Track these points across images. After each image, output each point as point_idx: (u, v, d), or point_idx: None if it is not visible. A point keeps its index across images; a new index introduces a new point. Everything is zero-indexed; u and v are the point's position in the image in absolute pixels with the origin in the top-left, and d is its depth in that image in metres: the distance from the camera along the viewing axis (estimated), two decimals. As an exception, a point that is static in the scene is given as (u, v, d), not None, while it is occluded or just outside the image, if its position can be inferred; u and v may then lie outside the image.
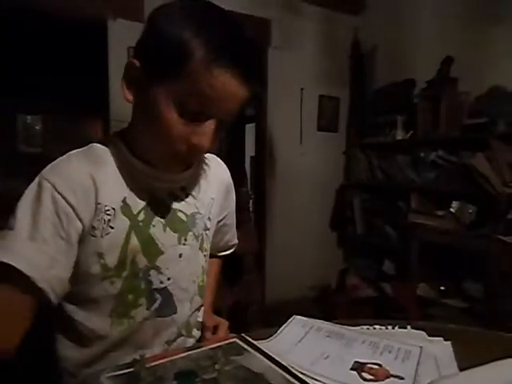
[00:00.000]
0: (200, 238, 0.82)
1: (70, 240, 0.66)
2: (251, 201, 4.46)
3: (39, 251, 0.63)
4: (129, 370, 0.58)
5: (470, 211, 2.28)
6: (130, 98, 0.69)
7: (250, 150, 4.40)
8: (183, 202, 0.79)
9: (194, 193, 0.81)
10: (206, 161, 0.87)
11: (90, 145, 0.74)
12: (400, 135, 2.72)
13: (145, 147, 0.72)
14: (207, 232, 0.84)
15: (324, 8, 2.98)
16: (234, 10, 2.60)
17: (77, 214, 0.66)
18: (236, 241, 1.04)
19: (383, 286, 2.73)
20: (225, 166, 0.93)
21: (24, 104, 4.10)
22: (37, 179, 0.68)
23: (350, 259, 3.18)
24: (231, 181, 0.94)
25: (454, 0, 2.56)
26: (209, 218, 0.84)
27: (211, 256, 0.94)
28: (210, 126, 0.66)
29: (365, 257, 3.06)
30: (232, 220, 0.99)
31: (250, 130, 4.41)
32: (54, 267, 0.64)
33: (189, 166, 0.78)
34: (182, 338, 0.82)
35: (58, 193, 0.65)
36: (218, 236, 0.95)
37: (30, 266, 0.62)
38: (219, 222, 0.92)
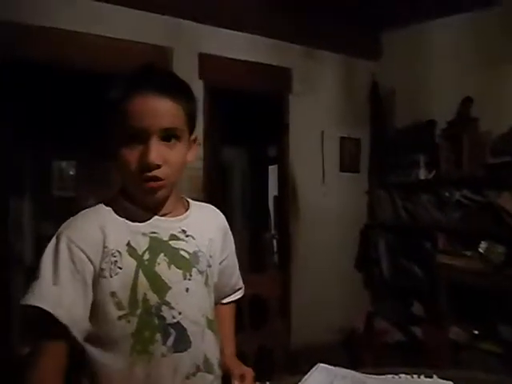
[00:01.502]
0: (204, 273, 0.88)
1: (86, 281, 0.77)
2: (275, 241, 4.46)
3: (61, 294, 0.74)
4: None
5: (500, 251, 2.23)
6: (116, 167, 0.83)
7: (272, 190, 4.46)
8: (184, 242, 0.86)
9: (193, 234, 0.88)
10: (202, 208, 0.96)
11: (99, 204, 0.87)
12: (423, 175, 2.72)
13: (131, 194, 0.84)
14: (210, 269, 0.90)
15: (342, 55, 3.10)
16: (256, 60, 2.76)
17: (88, 258, 0.77)
18: (242, 285, 1.07)
19: (413, 329, 2.64)
20: (220, 212, 1.01)
21: (59, 151, 4.33)
22: (55, 234, 0.80)
23: (378, 301, 3.11)
24: (227, 225, 1.01)
25: (470, 41, 2.63)
26: (210, 256, 0.91)
27: (221, 305, 1.00)
28: (152, 143, 0.77)
29: (392, 298, 2.98)
30: (234, 262, 1.03)
31: (272, 170, 4.49)
32: (75, 307, 0.75)
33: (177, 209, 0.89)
34: (201, 373, 0.84)
35: (72, 242, 0.77)
36: (223, 280, 0.99)
37: (55, 306, 0.73)
38: (221, 262, 0.97)
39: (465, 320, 2.41)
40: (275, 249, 4.12)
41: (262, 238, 4.23)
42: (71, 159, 4.48)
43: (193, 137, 0.88)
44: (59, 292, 0.74)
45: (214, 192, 2.76)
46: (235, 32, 2.71)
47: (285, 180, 2.96)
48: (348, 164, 3.13)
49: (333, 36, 3.04)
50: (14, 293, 3.26)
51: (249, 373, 0.93)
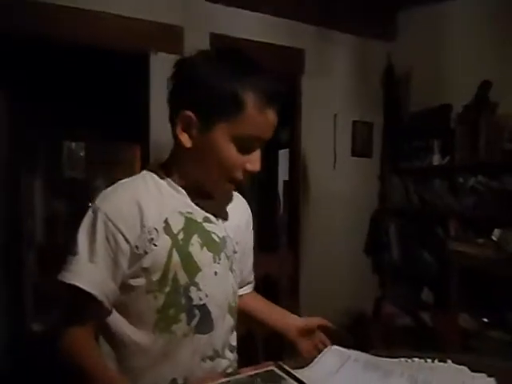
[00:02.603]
0: (230, 258, 0.89)
1: (118, 260, 0.78)
2: (285, 224, 4.46)
3: (97, 271, 0.76)
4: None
5: (514, 239, 2.19)
6: (190, 143, 0.80)
7: (283, 175, 4.43)
8: (215, 226, 0.87)
9: (223, 218, 0.90)
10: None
11: (137, 175, 0.86)
12: (437, 160, 2.67)
13: (196, 177, 0.84)
14: (235, 255, 0.91)
15: (356, 36, 3.03)
16: (269, 41, 2.70)
17: (124, 237, 0.77)
18: (253, 279, 1.08)
19: (422, 315, 2.64)
20: (244, 200, 1.03)
21: (69, 131, 4.34)
22: (91, 208, 0.79)
23: (386, 286, 3.10)
24: (250, 214, 1.03)
25: (490, 22, 2.54)
26: (236, 243, 0.92)
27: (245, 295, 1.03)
28: (258, 152, 0.81)
29: (402, 284, 2.98)
30: (250, 254, 1.04)
31: (283, 155, 4.45)
32: (108, 281, 0.77)
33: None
34: (218, 358, 0.85)
35: (109, 220, 0.77)
36: (239, 268, 0.98)
37: (92, 285, 0.75)
38: (243, 248, 0.97)
39: (475, 307, 2.39)
40: (285, 232, 4.12)
41: (272, 219, 4.24)
42: (81, 140, 4.50)
43: None
44: (95, 269, 0.76)
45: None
46: (247, 12, 2.65)
47: (296, 162, 2.93)
48: (360, 148, 3.08)
49: (347, 16, 2.96)
50: (26, 270, 3.33)
51: (319, 321, 0.98)
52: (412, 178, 2.86)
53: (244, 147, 0.78)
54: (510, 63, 2.38)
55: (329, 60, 2.96)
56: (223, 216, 0.90)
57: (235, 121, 0.76)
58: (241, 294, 1.04)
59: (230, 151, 0.78)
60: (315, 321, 0.98)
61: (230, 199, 0.94)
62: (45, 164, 4.26)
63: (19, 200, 3.15)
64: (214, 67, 0.78)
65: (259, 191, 4.36)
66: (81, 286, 0.75)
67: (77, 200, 4.22)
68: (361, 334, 2.71)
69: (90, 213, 0.79)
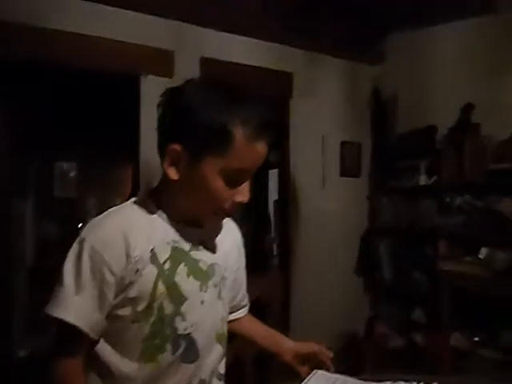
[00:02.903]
0: (218, 286, 0.88)
1: (104, 291, 0.77)
2: (275, 245, 4.45)
3: (83, 304, 0.76)
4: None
5: (501, 257, 2.22)
6: (177, 176, 0.79)
7: (273, 195, 4.45)
8: (203, 253, 0.86)
9: (211, 246, 0.89)
10: None
11: (124, 204, 0.86)
12: (424, 180, 2.72)
13: (184, 208, 0.83)
14: (224, 282, 0.90)
15: (344, 59, 3.10)
16: (258, 64, 2.76)
17: (110, 269, 0.76)
18: (247, 302, 1.07)
19: (414, 335, 2.63)
20: (235, 225, 1.02)
21: (61, 152, 4.35)
22: (78, 239, 0.79)
23: (378, 306, 3.10)
24: (241, 239, 1.02)
25: (473, 47, 2.63)
26: (225, 269, 0.91)
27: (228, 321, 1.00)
28: (248, 182, 0.80)
29: (393, 304, 2.97)
30: (243, 277, 1.03)
31: (272, 175, 4.48)
32: (95, 314, 0.77)
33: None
34: None
35: (95, 252, 0.76)
36: (232, 293, 0.98)
37: (78, 318, 0.75)
38: (233, 274, 0.96)
39: (466, 326, 2.39)
40: (275, 252, 4.11)
41: (263, 240, 4.22)
42: (72, 161, 4.49)
43: None
44: (81, 302, 0.76)
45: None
46: (237, 36, 2.71)
47: (285, 184, 2.96)
48: (349, 168, 3.12)
49: (335, 41, 3.04)
50: (16, 293, 3.27)
51: (314, 346, 0.97)
52: (400, 198, 2.90)
53: (233, 180, 0.77)
54: (490, 87, 2.46)
55: (317, 82, 3.02)
56: (211, 243, 0.88)
57: (224, 154, 0.75)
58: (235, 317, 1.04)
59: (219, 184, 0.77)
60: (310, 346, 0.98)
61: (219, 228, 0.93)
62: (36, 184, 4.25)
63: (9, 221, 3.12)
64: (203, 98, 0.76)
65: (249, 212, 4.38)
66: (67, 319, 0.75)
67: (68, 221, 4.19)
68: (353, 355, 2.69)
69: (75, 244, 0.78)
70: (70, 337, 0.78)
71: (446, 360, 2.30)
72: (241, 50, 2.73)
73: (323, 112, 3.03)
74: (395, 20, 2.92)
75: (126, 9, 2.36)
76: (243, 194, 0.79)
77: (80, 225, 4.31)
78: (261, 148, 0.77)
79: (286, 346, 0.99)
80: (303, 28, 2.90)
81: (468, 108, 2.47)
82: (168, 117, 0.79)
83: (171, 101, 0.80)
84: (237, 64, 2.69)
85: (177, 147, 0.76)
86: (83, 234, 0.79)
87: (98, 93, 3.10)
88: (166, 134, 0.80)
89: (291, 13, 2.77)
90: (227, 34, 2.68)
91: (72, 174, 4.55)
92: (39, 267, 3.90)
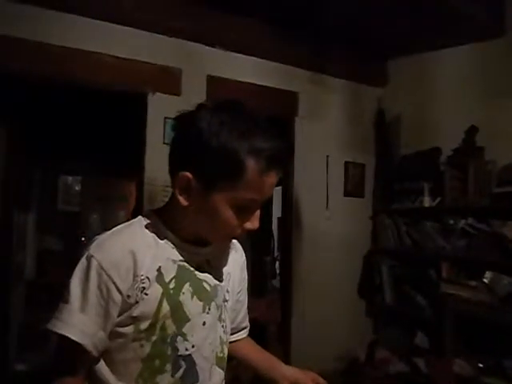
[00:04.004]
0: (220, 308, 0.87)
1: (109, 310, 0.76)
2: (277, 262, 4.42)
3: (88, 321, 0.75)
4: None
5: (505, 282, 2.18)
6: (187, 203, 0.78)
7: (276, 211, 4.45)
8: (207, 274, 0.86)
9: (216, 265, 0.88)
10: None
11: (131, 221, 0.85)
12: (427, 202, 2.71)
13: (192, 230, 0.83)
14: (226, 304, 0.89)
15: (349, 81, 3.14)
16: (263, 84, 2.80)
17: (117, 287, 0.76)
18: (247, 324, 1.06)
19: (416, 360, 2.57)
20: (240, 246, 1.01)
21: (66, 166, 4.39)
22: (85, 256, 0.77)
23: (380, 330, 3.04)
24: (245, 260, 1.02)
25: (476, 70, 2.65)
26: (227, 291, 0.90)
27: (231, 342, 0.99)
28: (258, 211, 0.80)
29: (395, 327, 2.92)
30: (244, 298, 1.03)
31: (276, 192, 4.49)
32: (99, 332, 0.76)
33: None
34: None
35: (102, 269, 0.76)
36: (232, 315, 0.97)
37: (82, 336, 0.74)
38: (235, 296, 0.97)
39: (470, 353, 2.34)
40: (277, 271, 4.08)
41: (264, 260, 4.19)
42: (77, 175, 4.53)
43: None
44: (86, 320, 0.75)
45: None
46: (243, 56, 2.76)
47: (289, 202, 2.96)
48: (352, 189, 3.12)
49: (339, 62, 3.08)
50: (14, 306, 3.25)
51: (313, 377, 0.96)
52: (403, 220, 2.88)
53: (243, 209, 0.77)
54: (494, 110, 2.47)
55: (322, 103, 3.05)
56: (216, 263, 0.88)
57: (235, 185, 0.73)
58: (235, 339, 1.03)
59: (229, 214, 0.76)
60: (308, 376, 0.96)
61: (225, 248, 0.93)
62: (39, 197, 4.27)
63: (11, 232, 3.12)
64: (215, 126, 0.73)
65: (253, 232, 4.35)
66: (71, 337, 0.74)
67: (70, 234, 4.19)
68: (354, 379, 2.63)
69: (83, 260, 0.77)
70: (73, 354, 0.76)
71: (450, 387, 2.24)
72: (247, 68, 2.77)
73: (327, 132, 3.05)
74: (399, 43, 2.96)
75: (135, 27, 2.42)
76: (253, 222, 0.79)
77: (83, 239, 4.32)
78: (272, 179, 0.76)
79: (283, 372, 0.98)
80: (309, 49, 2.95)
81: (472, 130, 2.48)
82: (179, 143, 0.78)
83: (183, 127, 0.78)
84: (243, 83, 2.73)
85: (188, 175, 0.75)
86: (91, 250, 0.77)
87: (105, 109, 3.14)
88: (177, 161, 0.79)
89: (297, 34, 2.82)
90: (233, 54, 2.73)
91: (76, 188, 4.58)
92: (38, 280, 3.89)
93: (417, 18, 2.56)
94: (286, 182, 2.99)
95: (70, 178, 4.59)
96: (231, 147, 0.71)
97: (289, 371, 0.98)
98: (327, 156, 3.03)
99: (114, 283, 0.75)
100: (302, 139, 2.95)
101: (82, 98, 2.82)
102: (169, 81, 2.52)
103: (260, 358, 1.03)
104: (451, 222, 2.50)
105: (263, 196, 0.77)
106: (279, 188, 3.37)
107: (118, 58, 2.38)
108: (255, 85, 2.77)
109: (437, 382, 2.30)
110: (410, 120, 3.04)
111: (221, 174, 0.73)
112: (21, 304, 3.55)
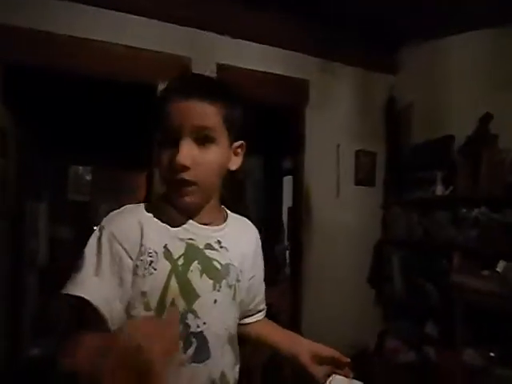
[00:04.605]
0: (233, 287, 0.88)
1: (123, 277, 0.78)
2: (287, 252, 4.43)
3: (102, 285, 0.76)
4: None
5: (518, 272, 2.16)
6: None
7: (287, 201, 4.44)
8: (218, 253, 0.86)
9: (227, 246, 0.88)
10: (238, 221, 0.97)
11: (142, 203, 0.87)
12: (439, 191, 2.67)
13: (170, 198, 0.85)
14: (239, 284, 0.89)
15: (359, 68, 3.09)
16: (274, 72, 2.77)
17: (127, 254, 0.78)
18: (265, 306, 1.06)
19: (426, 350, 2.57)
20: (254, 228, 1.02)
21: (77, 156, 4.42)
22: (99, 227, 0.82)
23: (390, 319, 3.04)
24: (259, 241, 1.01)
25: (489, 57, 2.59)
26: (240, 271, 0.90)
27: (244, 324, 1.00)
28: (183, 144, 0.79)
29: (405, 317, 2.92)
30: (260, 280, 1.03)
31: (287, 181, 4.48)
32: (113, 300, 0.76)
33: (219, 221, 0.90)
34: None
35: (114, 237, 0.79)
36: (248, 297, 0.98)
37: (95, 296, 0.74)
38: (250, 279, 0.96)
39: (481, 342, 2.33)
40: (287, 261, 4.09)
41: (275, 249, 4.20)
42: (88, 165, 4.56)
43: (238, 143, 0.88)
44: (100, 283, 0.76)
45: (229, 201, 2.76)
46: (253, 43, 2.73)
47: (299, 192, 2.94)
48: (363, 178, 3.10)
49: (350, 49, 3.03)
50: (27, 292, 3.31)
51: (334, 353, 0.94)
52: (415, 209, 2.86)
53: (163, 142, 0.82)
54: (509, 96, 2.42)
55: (332, 91, 3.02)
56: (227, 243, 0.88)
57: (155, 125, 0.83)
58: (253, 321, 1.03)
59: (158, 152, 0.83)
60: (330, 352, 0.95)
61: (236, 228, 0.93)
62: (51, 187, 4.32)
63: (24, 221, 3.17)
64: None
65: (264, 217, 4.36)
66: (85, 296, 0.74)
67: (81, 223, 4.23)
68: (363, 369, 2.64)
69: (96, 231, 0.81)
70: (87, 318, 0.76)
71: (459, 377, 2.24)
72: (257, 56, 2.74)
73: (338, 120, 3.02)
74: (411, 29, 2.90)
75: (143, 16, 2.40)
76: (174, 154, 0.79)
77: (95, 227, 4.35)
78: (171, 104, 0.80)
79: (304, 346, 0.97)
80: (319, 36, 2.91)
81: (486, 118, 2.43)
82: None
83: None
84: (253, 71, 2.71)
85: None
86: (103, 222, 0.82)
87: (115, 99, 3.14)
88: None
89: (308, 21, 2.78)
90: (243, 41, 2.70)
91: (87, 178, 4.62)
92: (51, 267, 3.96)
93: (429, 2, 2.50)
94: (296, 171, 2.98)
95: (81, 168, 4.62)
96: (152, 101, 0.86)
97: (310, 345, 0.97)
98: (338, 145, 3.01)
99: (125, 249, 0.78)
100: (313, 128, 2.93)
101: (93, 88, 2.82)
102: (179, 70, 2.50)
103: (281, 335, 1.03)
104: (464, 211, 2.47)
105: (172, 123, 0.79)
106: (289, 177, 3.36)
107: (127, 47, 2.36)
108: (265, 73, 2.75)
109: (447, 372, 2.30)
110: (422, 108, 2.99)
111: (155, 124, 0.82)
112: (34, 290, 3.61)
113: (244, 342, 1.00)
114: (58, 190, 4.39)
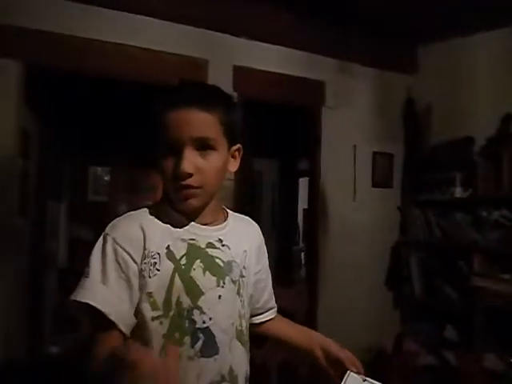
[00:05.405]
0: (237, 283, 0.89)
1: (130, 280, 0.80)
2: (303, 254, 4.42)
3: (109, 292, 0.79)
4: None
5: (541, 276, 2.11)
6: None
7: (302, 202, 4.43)
8: (220, 251, 0.88)
9: (229, 244, 0.90)
10: (240, 219, 0.99)
11: (143, 208, 0.90)
12: (459, 193, 2.63)
13: (171, 201, 0.87)
14: (243, 279, 0.91)
15: (377, 69, 3.07)
16: (290, 73, 2.77)
17: (132, 258, 0.81)
18: (275, 305, 1.06)
19: (445, 354, 2.53)
20: (256, 225, 1.04)
21: (96, 157, 4.48)
22: (103, 234, 0.84)
23: (408, 322, 3.00)
24: (263, 239, 1.03)
25: (509, 56, 2.54)
26: (244, 267, 0.92)
27: (259, 324, 1.02)
28: (185, 153, 0.81)
29: (424, 320, 2.87)
30: (267, 276, 1.03)
31: (303, 183, 4.47)
32: (121, 304, 0.79)
33: (217, 221, 0.91)
34: (225, 383, 0.84)
35: (117, 243, 0.81)
36: (255, 294, 0.98)
37: (103, 304, 0.77)
38: (254, 274, 0.97)
39: (501, 347, 2.28)
40: (303, 262, 4.08)
41: (291, 250, 4.19)
42: (106, 165, 4.62)
43: (235, 147, 0.91)
44: (107, 290, 0.78)
45: (244, 203, 2.77)
46: (269, 45, 2.74)
47: (315, 193, 2.93)
48: (380, 179, 3.07)
49: (367, 50, 3.01)
50: (47, 292, 3.38)
51: (348, 356, 0.94)
52: (433, 211, 2.82)
53: (167, 153, 0.84)
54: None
55: (349, 92, 3.00)
56: (229, 242, 0.90)
57: (157, 133, 0.85)
58: (265, 319, 1.04)
59: (161, 160, 0.84)
60: (336, 352, 0.96)
61: (237, 227, 0.95)
62: (70, 187, 4.39)
63: (44, 222, 3.23)
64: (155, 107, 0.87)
65: (279, 219, 4.35)
66: (92, 303, 0.77)
67: (100, 224, 4.29)
68: (380, 372, 2.61)
69: (100, 239, 0.84)
70: (99, 323, 0.79)
71: (480, 382, 2.20)
72: (273, 58, 2.75)
73: (355, 121, 3.00)
74: (429, 29, 2.86)
75: (161, 19, 2.43)
76: (178, 163, 0.81)
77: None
78: (171, 114, 0.81)
79: (318, 340, 0.99)
80: (336, 37, 2.89)
81: (508, 119, 2.39)
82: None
83: None
84: (269, 72, 2.71)
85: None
86: (106, 230, 0.85)
87: (133, 101, 3.19)
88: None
89: (324, 22, 2.77)
90: (259, 43, 2.71)
91: (106, 179, 4.69)
92: (70, 268, 4.03)
93: (446, 1, 2.47)
94: (312, 172, 2.97)
95: (100, 169, 4.69)
96: (153, 108, 0.84)
97: (322, 339, 0.99)
98: (355, 146, 2.99)
99: (129, 253, 0.80)
100: (329, 129, 2.92)
101: (111, 89, 2.87)
102: (195, 72, 2.52)
103: (296, 330, 1.04)
104: (484, 213, 2.43)
105: (174, 134, 0.81)
106: (305, 179, 3.35)
107: (144, 49, 2.40)
108: (282, 74, 2.75)
109: (466, 377, 2.26)
110: (441, 108, 2.95)
111: (155, 134, 0.83)
112: (54, 290, 3.68)
113: (262, 342, 1.00)
114: (77, 191, 4.46)
